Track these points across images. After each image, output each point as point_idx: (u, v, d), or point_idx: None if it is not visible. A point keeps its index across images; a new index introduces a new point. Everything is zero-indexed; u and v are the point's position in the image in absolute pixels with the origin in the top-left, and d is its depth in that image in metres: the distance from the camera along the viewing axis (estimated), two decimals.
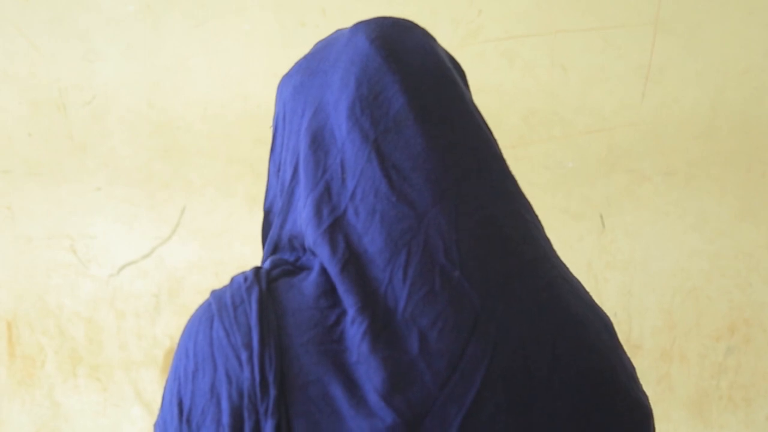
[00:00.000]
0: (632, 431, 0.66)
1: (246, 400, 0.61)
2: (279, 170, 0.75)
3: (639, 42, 1.67)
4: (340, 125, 0.68)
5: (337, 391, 0.60)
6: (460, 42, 1.67)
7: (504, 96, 1.68)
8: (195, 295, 1.75)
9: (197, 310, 0.68)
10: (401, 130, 0.66)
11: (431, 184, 0.65)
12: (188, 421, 0.63)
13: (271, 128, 0.79)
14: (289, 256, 0.71)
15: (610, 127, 1.70)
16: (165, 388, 0.67)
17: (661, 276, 1.74)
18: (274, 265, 0.69)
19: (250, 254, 1.73)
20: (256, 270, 0.68)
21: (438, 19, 1.67)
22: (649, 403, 0.68)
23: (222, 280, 0.71)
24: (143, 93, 1.73)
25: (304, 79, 0.74)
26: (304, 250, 0.69)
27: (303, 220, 0.68)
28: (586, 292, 0.70)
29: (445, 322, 0.61)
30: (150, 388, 1.79)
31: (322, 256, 0.65)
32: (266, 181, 0.79)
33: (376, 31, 0.72)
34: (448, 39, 1.64)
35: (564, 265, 0.70)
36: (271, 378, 0.61)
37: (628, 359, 0.69)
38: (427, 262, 0.63)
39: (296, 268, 0.69)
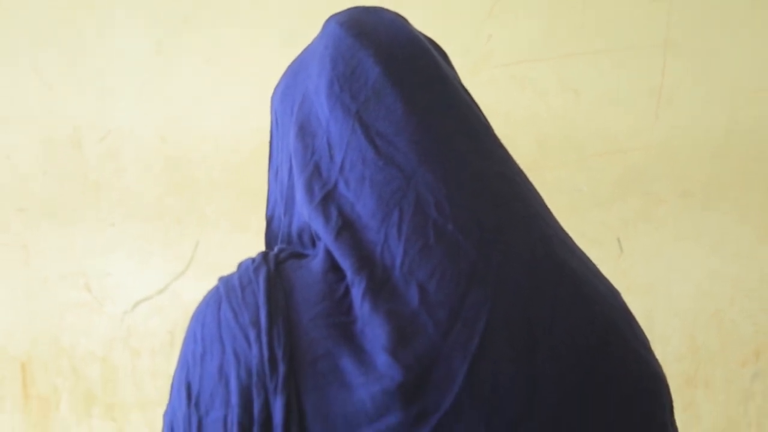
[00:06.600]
0: (644, 389, 0.64)
1: (255, 378, 0.60)
2: (277, 174, 0.76)
3: (649, 63, 1.67)
4: (323, 106, 0.69)
5: (347, 363, 0.59)
6: (471, 69, 1.68)
7: (516, 121, 1.67)
8: None
9: (205, 296, 0.67)
10: (381, 98, 0.68)
11: (415, 145, 0.66)
12: (197, 405, 0.61)
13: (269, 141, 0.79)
14: (299, 249, 0.71)
15: (624, 149, 1.69)
16: (174, 377, 0.66)
17: (682, 300, 1.71)
18: (282, 250, 0.69)
19: None
20: (264, 253, 0.68)
21: (447, 46, 1.68)
22: (662, 370, 0.66)
23: None
24: (156, 128, 1.74)
25: (289, 81, 0.76)
26: (313, 243, 0.69)
27: (298, 202, 0.68)
28: (590, 261, 0.69)
29: (443, 273, 0.61)
30: None
31: (317, 228, 0.66)
32: (267, 188, 0.80)
33: (345, 16, 0.74)
34: (458, 66, 1.64)
35: (563, 231, 0.69)
36: (280, 354, 0.60)
37: (640, 327, 0.67)
38: (419, 218, 0.63)
39: (304, 255, 0.69)
